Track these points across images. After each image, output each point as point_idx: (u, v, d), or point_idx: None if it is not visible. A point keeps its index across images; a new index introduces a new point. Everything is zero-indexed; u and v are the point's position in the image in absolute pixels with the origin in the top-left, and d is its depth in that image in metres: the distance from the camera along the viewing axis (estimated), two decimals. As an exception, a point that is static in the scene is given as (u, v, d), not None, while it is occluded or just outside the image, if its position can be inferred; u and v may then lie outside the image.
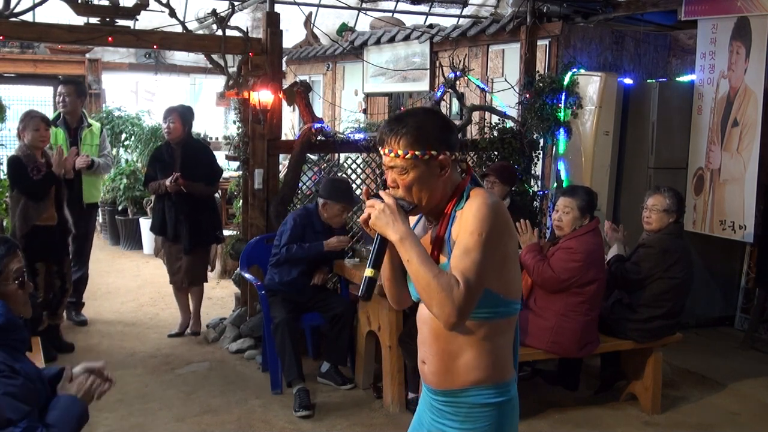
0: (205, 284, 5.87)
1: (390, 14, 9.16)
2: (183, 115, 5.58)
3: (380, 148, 2.04)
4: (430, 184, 2.00)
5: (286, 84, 5.75)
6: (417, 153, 1.96)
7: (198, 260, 5.76)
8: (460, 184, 2.04)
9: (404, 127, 1.98)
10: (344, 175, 6.21)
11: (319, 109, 8.84)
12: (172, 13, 5.17)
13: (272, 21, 5.44)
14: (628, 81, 6.14)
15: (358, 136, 5.82)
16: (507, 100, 6.48)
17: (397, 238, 1.93)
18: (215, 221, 5.78)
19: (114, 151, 8.80)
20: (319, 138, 5.55)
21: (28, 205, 4.97)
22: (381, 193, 2.01)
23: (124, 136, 9.17)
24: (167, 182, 5.43)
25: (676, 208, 4.49)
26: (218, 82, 11.16)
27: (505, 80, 6.62)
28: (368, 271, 1.98)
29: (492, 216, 1.93)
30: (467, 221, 1.94)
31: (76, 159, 5.67)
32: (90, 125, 5.97)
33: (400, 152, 1.97)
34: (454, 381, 2.08)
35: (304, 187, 5.86)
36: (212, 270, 6.68)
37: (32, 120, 5.01)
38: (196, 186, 5.50)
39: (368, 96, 9.35)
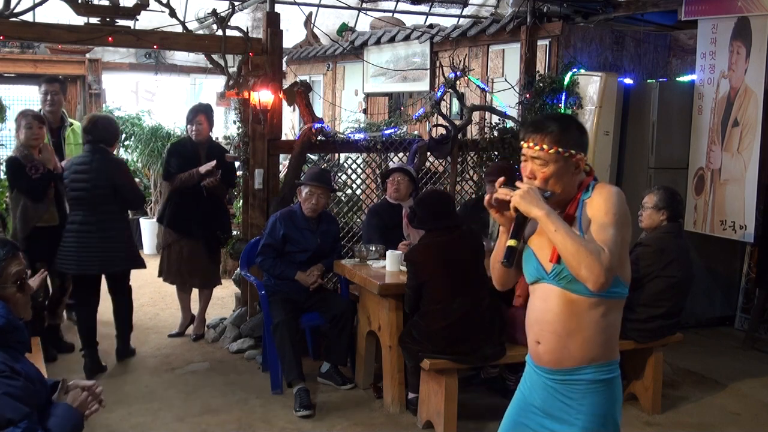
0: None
1: (390, 14, 9.15)
2: (208, 115, 5.64)
3: (523, 141, 2.34)
4: (563, 179, 2.28)
5: (286, 84, 5.74)
6: (560, 150, 2.26)
7: (213, 263, 5.76)
8: (584, 181, 2.33)
9: (551, 127, 2.29)
10: (344, 175, 6.22)
11: (319, 109, 8.84)
12: (173, 13, 5.17)
13: (272, 21, 5.44)
14: (628, 81, 6.13)
15: (358, 136, 5.82)
16: (507, 100, 6.48)
17: (543, 213, 2.18)
18: (226, 223, 5.78)
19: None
20: (319, 138, 5.55)
21: (28, 206, 4.95)
22: (518, 183, 2.29)
23: (124, 136, 9.16)
24: (206, 167, 5.37)
25: (665, 204, 4.47)
26: (218, 82, 11.16)
27: (505, 80, 6.61)
28: (511, 242, 2.24)
29: (621, 202, 2.25)
30: (601, 205, 2.24)
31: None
32: (71, 124, 5.89)
33: (545, 146, 2.26)
34: (571, 359, 2.29)
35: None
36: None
37: (25, 118, 4.99)
38: (220, 186, 5.53)
39: (368, 96, 9.35)
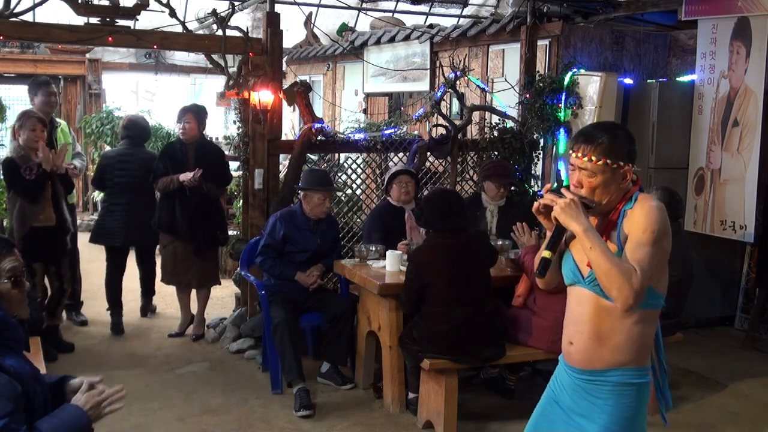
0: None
1: (390, 14, 9.15)
2: (198, 115, 5.59)
3: (572, 152, 2.34)
4: (610, 189, 2.31)
5: (286, 84, 5.75)
6: (608, 161, 2.28)
7: (210, 262, 5.75)
8: (630, 190, 2.35)
9: (600, 138, 2.30)
10: (344, 175, 6.22)
11: (319, 109, 8.84)
12: (173, 13, 5.17)
13: (272, 21, 5.44)
14: (628, 81, 6.13)
15: (358, 136, 5.82)
16: (507, 100, 6.48)
17: (581, 229, 2.23)
18: (221, 222, 5.78)
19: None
20: (319, 138, 5.55)
21: (24, 206, 4.95)
22: (563, 190, 2.31)
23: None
24: (184, 177, 5.35)
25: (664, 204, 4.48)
26: (218, 82, 11.18)
27: (505, 80, 6.62)
28: (546, 253, 2.30)
29: (661, 218, 2.29)
30: (640, 221, 2.27)
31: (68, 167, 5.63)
32: (60, 125, 5.87)
33: (593, 158, 2.29)
34: (602, 361, 2.34)
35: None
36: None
37: (29, 120, 4.98)
38: (208, 185, 5.48)
39: (368, 96, 9.35)
